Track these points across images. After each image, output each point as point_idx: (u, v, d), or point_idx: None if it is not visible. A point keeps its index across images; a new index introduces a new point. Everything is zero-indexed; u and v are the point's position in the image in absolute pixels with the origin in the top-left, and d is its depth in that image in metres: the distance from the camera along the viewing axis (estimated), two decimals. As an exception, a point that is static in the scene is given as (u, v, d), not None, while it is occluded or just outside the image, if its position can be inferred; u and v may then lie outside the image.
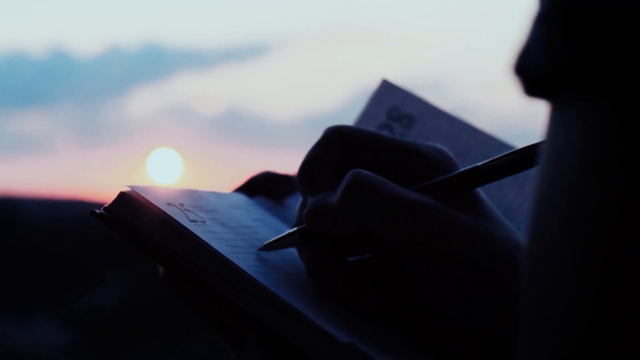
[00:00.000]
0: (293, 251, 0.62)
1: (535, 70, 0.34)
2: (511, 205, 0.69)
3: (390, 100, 0.72)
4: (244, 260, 0.55)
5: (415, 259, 0.54)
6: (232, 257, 0.55)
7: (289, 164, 0.71)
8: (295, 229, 0.59)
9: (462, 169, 0.56)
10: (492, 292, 0.54)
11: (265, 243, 0.60)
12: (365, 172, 0.55)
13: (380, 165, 0.56)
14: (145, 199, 0.55)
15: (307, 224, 0.57)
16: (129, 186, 0.56)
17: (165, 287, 0.61)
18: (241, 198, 0.67)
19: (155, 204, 0.55)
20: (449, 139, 0.71)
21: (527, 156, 0.53)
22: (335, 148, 0.58)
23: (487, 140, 0.72)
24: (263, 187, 0.68)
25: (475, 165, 0.56)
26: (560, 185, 0.33)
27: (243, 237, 0.60)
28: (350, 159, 0.57)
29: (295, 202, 0.70)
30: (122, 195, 0.56)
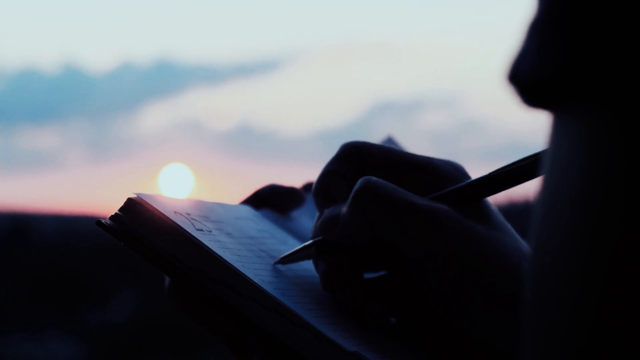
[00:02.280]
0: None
1: (533, 77, 0.33)
2: None
3: None
4: (250, 269, 0.56)
5: (424, 264, 0.55)
6: (238, 265, 0.55)
7: (300, 178, 0.71)
8: (310, 241, 0.59)
9: (472, 179, 0.57)
10: (494, 301, 0.54)
11: (282, 257, 0.60)
12: (375, 178, 0.55)
13: (395, 179, 0.57)
14: (152, 206, 0.55)
15: (320, 233, 0.58)
16: (136, 194, 0.57)
17: (171, 298, 0.61)
18: (247, 210, 0.67)
19: (162, 211, 0.55)
20: None
21: (539, 163, 0.53)
22: (351, 163, 0.58)
23: None
24: (269, 200, 0.69)
25: (485, 174, 0.56)
26: (562, 193, 0.33)
27: (248, 248, 0.60)
28: (365, 173, 0.57)
29: (301, 215, 0.70)
30: (130, 202, 0.56)
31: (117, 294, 6.18)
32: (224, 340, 0.62)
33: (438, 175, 0.57)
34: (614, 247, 0.31)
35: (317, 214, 0.59)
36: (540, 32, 0.33)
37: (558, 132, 0.34)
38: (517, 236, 0.57)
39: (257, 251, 0.60)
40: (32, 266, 6.34)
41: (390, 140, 0.71)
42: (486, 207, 0.57)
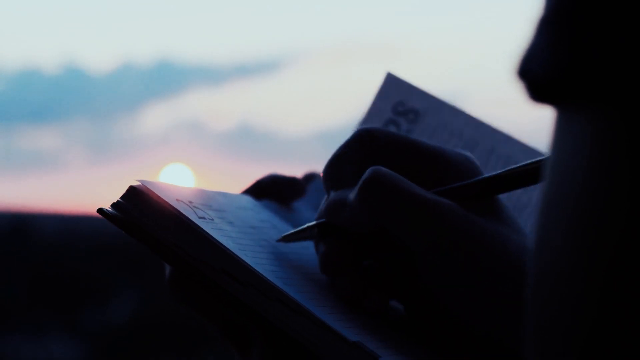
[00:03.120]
0: (301, 251, 0.62)
1: (540, 74, 0.33)
2: (517, 203, 0.69)
3: (396, 95, 0.71)
4: (252, 258, 0.56)
5: (427, 257, 0.55)
6: (240, 253, 0.55)
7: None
8: (314, 222, 0.59)
9: (482, 176, 0.57)
10: (498, 297, 0.54)
11: (284, 235, 0.61)
12: (384, 169, 0.56)
13: (406, 168, 0.57)
14: (155, 193, 0.55)
15: (326, 217, 0.58)
16: (138, 180, 0.56)
17: (171, 289, 0.61)
18: (248, 200, 0.67)
19: (165, 199, 0.55)
20: (454, 132, 0.71)
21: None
22: (363, 148, 0.58)
23: (493, 134, 0.71)
24: (270, 190, 0.69)
25: (496, 172, 0.56)
26: (565, 191, 0.33)
27: (250, 237, 0.60)
28: (376, 159, 0.58)
29: (301, 206, 0.70)
30: (132, 189, 0.56)
31: (117, 294, 6.17)
32: (225, 333, 0.62)
33: (449, 166, 0.58)
34: (615, 245, 0.31)
35: (325, 196, 0.60)
36: (549, 29, 0.33)
37: (563, 129, 0.34)
38: (526, 233, 0.57)
39: (258, 240, 0.60)
40: (32, 266, 6.34)
41: (390, 76, 0.71)
42: (495, 202, 0.57)
